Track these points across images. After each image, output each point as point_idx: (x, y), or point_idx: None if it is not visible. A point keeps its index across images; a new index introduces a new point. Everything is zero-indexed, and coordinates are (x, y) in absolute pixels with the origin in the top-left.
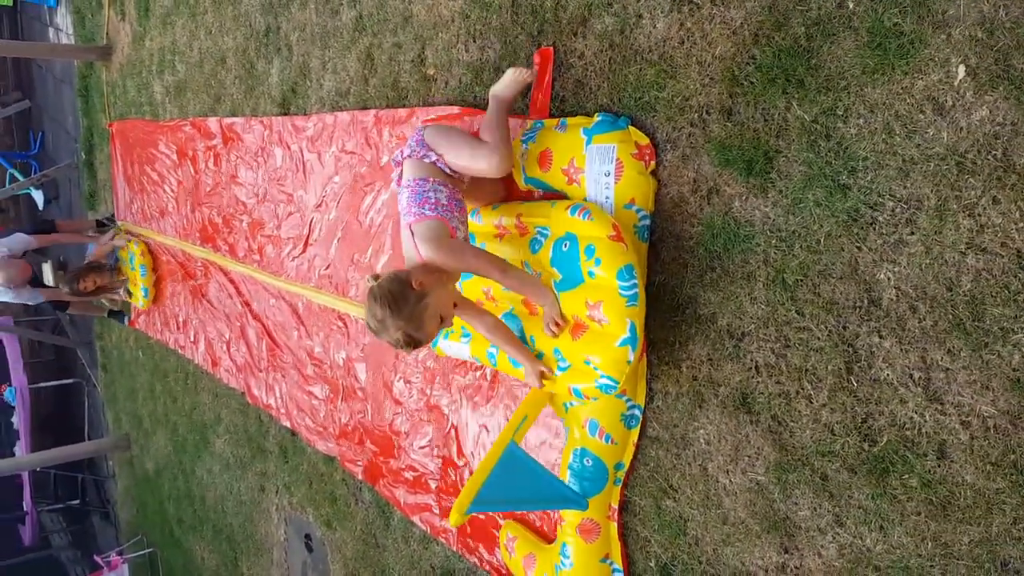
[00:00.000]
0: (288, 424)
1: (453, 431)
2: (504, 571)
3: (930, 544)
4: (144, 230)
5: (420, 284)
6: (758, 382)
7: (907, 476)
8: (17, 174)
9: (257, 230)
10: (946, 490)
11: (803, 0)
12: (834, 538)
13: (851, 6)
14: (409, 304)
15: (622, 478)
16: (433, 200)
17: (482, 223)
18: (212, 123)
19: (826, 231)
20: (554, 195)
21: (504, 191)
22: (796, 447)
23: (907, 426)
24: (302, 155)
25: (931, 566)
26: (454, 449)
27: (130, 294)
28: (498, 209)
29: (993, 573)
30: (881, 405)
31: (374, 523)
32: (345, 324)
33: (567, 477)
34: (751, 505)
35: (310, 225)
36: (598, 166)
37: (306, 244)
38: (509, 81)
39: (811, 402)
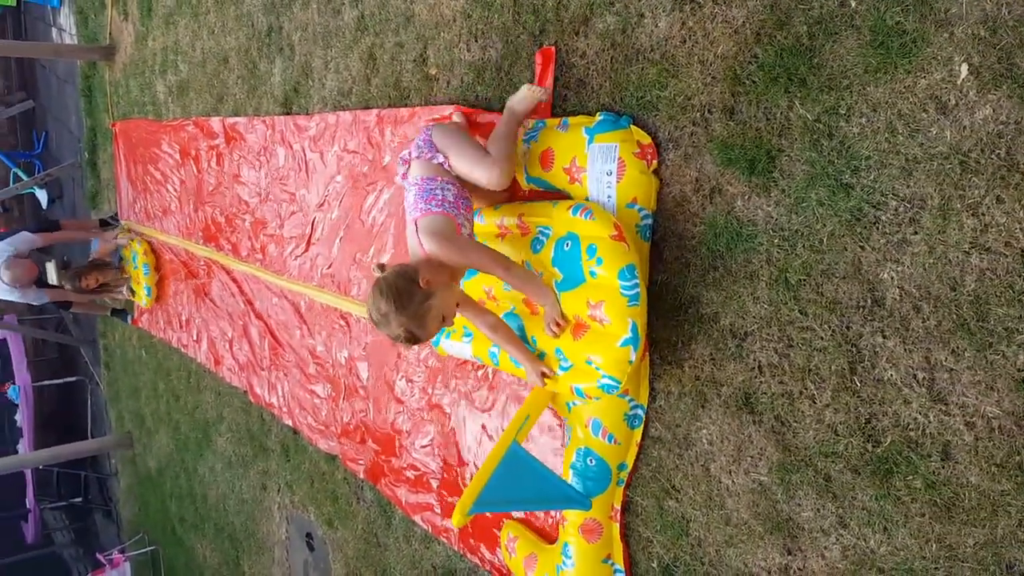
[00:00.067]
0: (290, 423)
1: (454, 431)
2: (505, 571)
3: (934, 546)
4: (147, 229)
5: (427, 283)
6: (761, 382)
7: (911, 477)
8: (21, 173)
9: (260, 229)
10: (950, 492)
11: None
12: (837, 539)
13: (853, 5)
14: (414, 302)
15: (625, 478)
16: (440, 197)
17: (484, 223)
18: (215, 123)
19: (829, 230)
20: (556, 194)
21: (507, 192)
22: (799, 448)
23: (911, 427)
24: (304, 154)
25: (935, 568)
26: (455, 449)
27: (133, 293)
28: (500, 209)
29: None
30: (885, 406)
31: (375, 522)
32: (347, 323)
33: (570, 477)
34: (754, 506)
35: (312, 224)
36: (600, 165)
37: (308, 243)
38: (523, 96)
39: (814, 402)
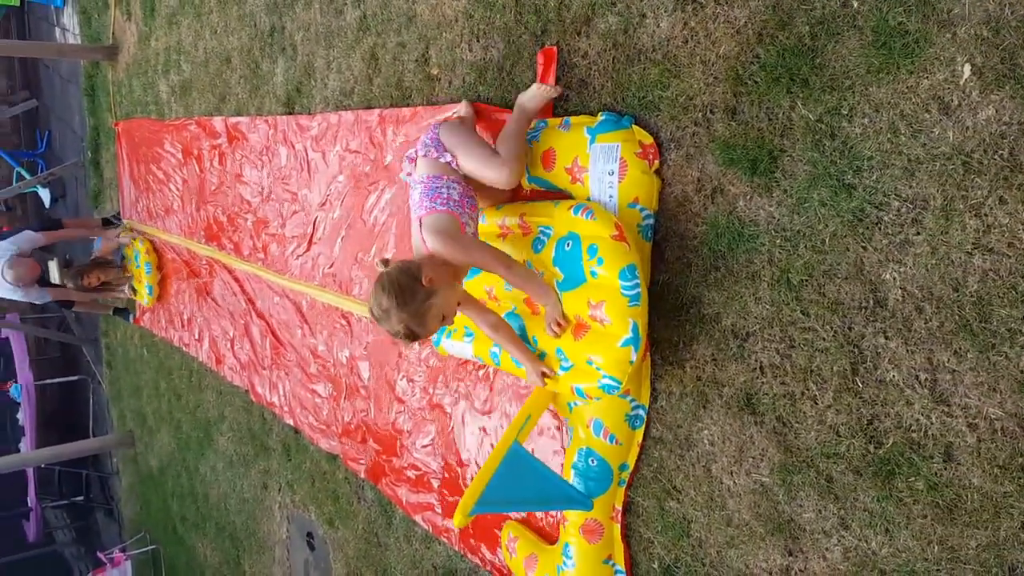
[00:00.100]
0: (291, 422)
1: (455, 431)
2: (506, 571)
3: (936, 548)
4: (149, 228)
5: (430, 281)
6: (763, 383)
7: (913, 479)
8: (24, 173)
9: (262, 228)
10: (953, 493)
11: None
12: (839, 541)
13: (855, 5)
14: (416, 300)
15: (626, 479)
16: (445, 196)
17: (486, 223)
18: (217, 122)
19: (831, 231)
20: (558, 194)
21: (509, 191)
22: (801, 448)
23: (913, 428)
24: (306, 154)
25: (937, 570)
26: (456, 449)
27: (135, 291)
28: (502, 209)
29: None
30: (887, 407)
31: (376, 522)
32: (348, 322)
33: (571, 477)
34: (755, 507)
35: (314, 224)
36: (602, 165)
37: (310, 243)
38: (535, 93)
39: (816, 403)
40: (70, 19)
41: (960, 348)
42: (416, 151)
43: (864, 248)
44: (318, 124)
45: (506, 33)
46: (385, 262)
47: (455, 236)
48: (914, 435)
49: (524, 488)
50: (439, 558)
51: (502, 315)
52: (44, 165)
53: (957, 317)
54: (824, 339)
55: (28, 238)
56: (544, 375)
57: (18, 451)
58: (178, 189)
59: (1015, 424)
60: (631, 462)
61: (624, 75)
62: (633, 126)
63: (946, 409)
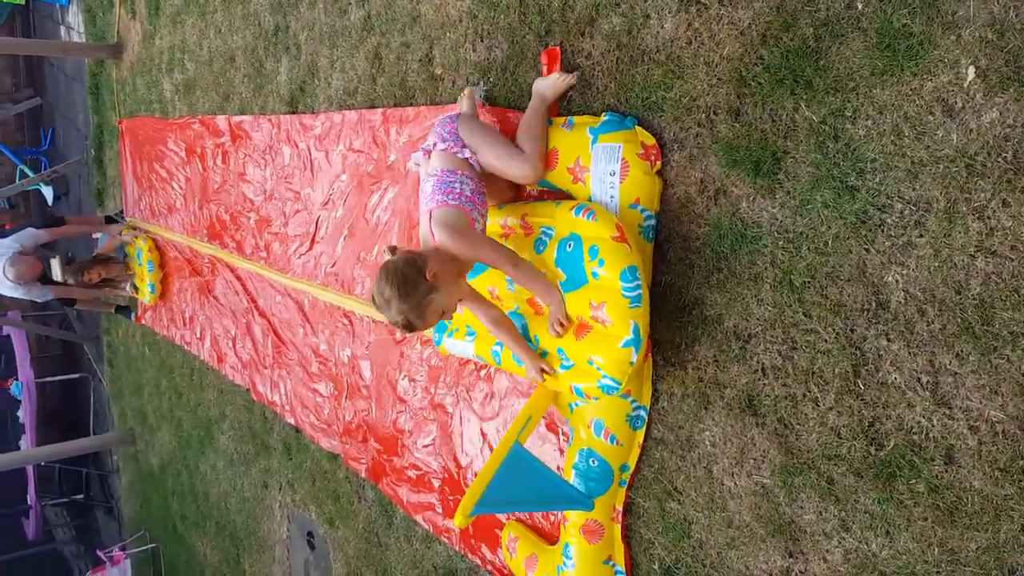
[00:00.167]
0: (292, 421)
1: (456, 431)
2: (506, 571)
3: (937, 550)
4: (152, 226)
5: (434, 276)
6: (764, 384)
7: (914, 481)
8: (28, 170)
9: (264, 227)
10: (953, 495)
11: (812, 1)
12: (840, 543)
13: (860, 7)
14: (418, 293)
15: (627, 480)
16: (458, 191)
17: (488, 223)
18: (221, 121)
19: (834, 233)
20: (559, 194)
21: (513, 191)
22: (802, 450)
23: (914, 430)
24: (310, 153)
25: (937, 572)
26: (456, 449)
27: (137, 290)
28: (504, 209)
29: None
30: (888, 409)
31: (377, 521)
32: (350, 322)
33: (572, 477)
34: (756, 508)
35: (317, 223)
36: (603, 165)
37: (313, 242)
38: (555, 81)
39: (818, 405)
40: (75, 17)
41: (962, 351)
42: (432, 144)
43: (867, 250)
44: (321, 123)
45: (510, 33)
46: (393, 249)
47: (464, 231)
48: (915, 437)
49: (525, 489)
50: (439, 558)
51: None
52: (47, 163)
53: (959, 320)
54: (826, 341)
55: (30, 235)
56: (543, 371)
57: (18, 449)
58: (181, 187)
59: (1016, 427)
60: (632, 463)
61: (628, 76)
62: (636, 127)
63: (947, 412)
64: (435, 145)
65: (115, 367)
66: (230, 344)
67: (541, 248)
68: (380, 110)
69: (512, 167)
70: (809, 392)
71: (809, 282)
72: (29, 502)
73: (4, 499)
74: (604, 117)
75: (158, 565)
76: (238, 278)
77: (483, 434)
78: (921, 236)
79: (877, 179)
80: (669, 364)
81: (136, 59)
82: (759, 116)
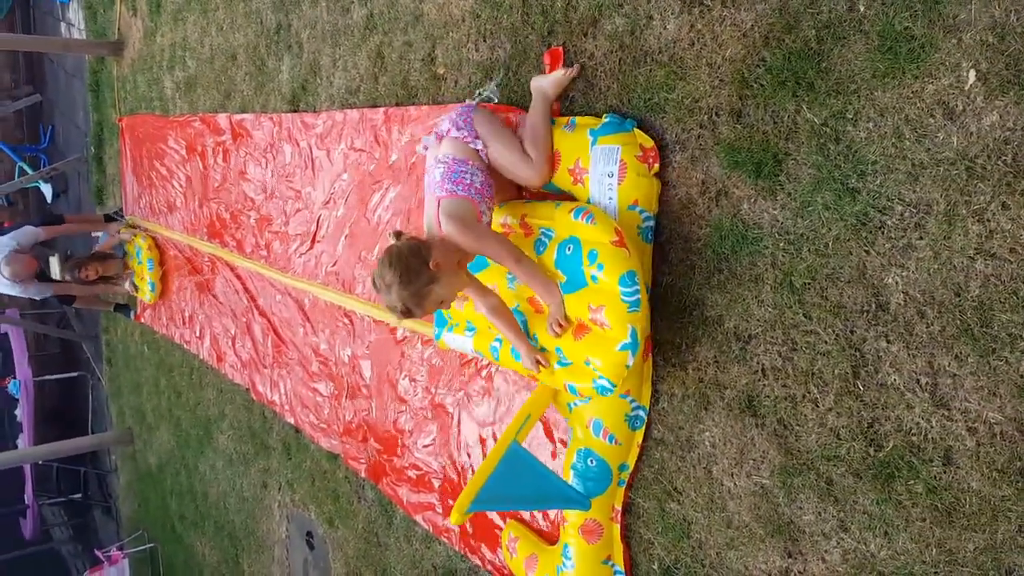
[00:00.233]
0: (292, 421)
1: (456, 431)
2: (506, 571)
3: (935, 551)
4: (152, 225)
5: (436, 266)
6: (764, 385)
7: (912, 482)
8: (27, 167)
9: (265, 226)
10: (951, 496)
11: (814, 3)
12: (838, 543)
13: (862, 9)
14: (419, 281)
15: (626, 479)
16: (468, 182)
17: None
18: (222, 119)
19: (834, 235)
20: (559, 195)
21: (515, 189)
22: (801, 451)
23: (913, 432)
24: (311, 152)
25: (935, 573)
26: (457, 449)
27: (136, 288)
28: (503, 208)
29: None
30: (887, 410)
31: (376, 521)
32: (351, 321)
33: (570, 477)
34: (755, 509)
35: (318, 222)
36: (602, 167)
37: (313, 241)
38: (555, 79)
39: (817, 406)
40: (75, 14)
41: (961, 352)
42: (445, 129)
43: (867, 252)
44: (323, 122)
45: (513, 33)
46: (398, 234)
47: (471, 224)
48: (914, 439)
49: (522, 487)
50: (439, 558)
51: None
52: (47, 160)
53: (958, 321)
54: (826, 342)
55: (28, 233)
56: (538, 363)
57: (16, 447)
58: (181, 186)
59: (1014, 428)
60: (631, 463)
61: (630, 77)
62: (635, 129)
63: (946, 413)
64: (448, 131)
65: (114, 366)
66: (230, 343)
67: (541, 249)
68: (382, 109)
69: (519, 172)
70: (809, 393)
71: (809, 283)
72: (26, 501)
73: (1, 498)
74: (605, 119)
75: (156, 565)
76: (238, 277)
77: (482, 439)
78: (921, 238)
79: (878, 181)
80: (669, 364)
81: (137, 56)
82: (761, 118)
